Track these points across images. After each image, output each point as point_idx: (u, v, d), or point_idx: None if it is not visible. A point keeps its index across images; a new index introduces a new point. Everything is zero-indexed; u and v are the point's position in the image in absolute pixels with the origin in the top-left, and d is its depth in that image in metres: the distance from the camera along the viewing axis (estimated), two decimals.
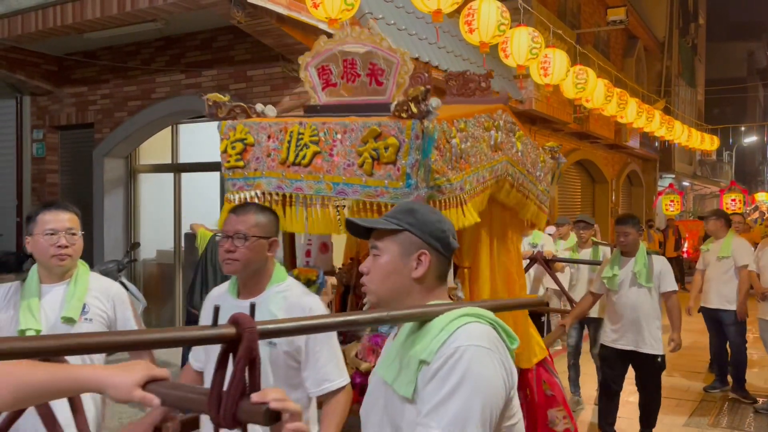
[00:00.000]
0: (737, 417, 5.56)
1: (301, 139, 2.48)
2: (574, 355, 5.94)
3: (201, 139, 8.42)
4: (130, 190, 8.65)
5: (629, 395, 5.24)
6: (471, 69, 9.03)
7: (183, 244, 8.24)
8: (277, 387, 1.46)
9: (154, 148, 8.58)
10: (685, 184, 25.15)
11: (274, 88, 7.09)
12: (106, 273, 7.30)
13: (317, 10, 5.24)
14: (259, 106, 2.77)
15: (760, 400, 5.93)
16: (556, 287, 6.07)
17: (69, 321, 2.39)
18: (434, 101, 2.25)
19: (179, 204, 8.49)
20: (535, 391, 3.09)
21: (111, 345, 1.31)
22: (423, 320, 1.46)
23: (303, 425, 1.18)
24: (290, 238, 3.09)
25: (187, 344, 1.63)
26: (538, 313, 6.52)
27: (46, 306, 2.40)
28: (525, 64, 7.02)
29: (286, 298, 2.17)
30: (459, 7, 5.46)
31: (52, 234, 2.39)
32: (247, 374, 1.19)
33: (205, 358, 2.31)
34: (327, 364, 2.14)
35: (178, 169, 8.47)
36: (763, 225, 9.28)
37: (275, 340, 2.06)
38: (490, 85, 3.13)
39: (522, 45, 6.83)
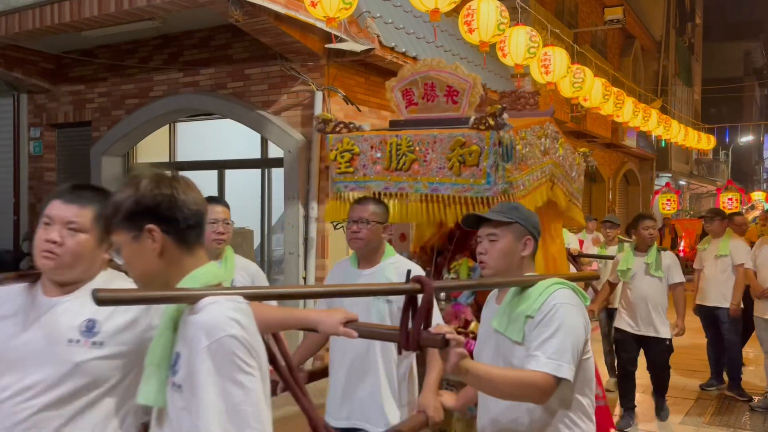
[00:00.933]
0: (733, 415, 5.59)
1: (400, 148, 3.19)
2: (609, 342, 6.36)
3: (199, 138, 8.42)
4: None
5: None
6: (469, 68, 9.05)
7: None
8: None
9: (152, 147, 8.57)
10: (682, 183, 25.20)
11: (271, 86, 7.09)
12: None
13: (315, 8, 5.24)
14: (356, 122, 3.51)
15: (756, 398, 5.95)
16: None
17: None
18: (506, 116, 2.93)
19: None
20: None
21: (320, 294, 2.41)
22: (525, 286, 2.12)
23: (463, 350, 1.79)
24: None
25: (385, 294, 2.60)
26: None
27: None
28: (523, 63, 7.04)
29: (396, 267, 2.81)
30: (457, 6, 5.47)
31: (213, 223, 3.03)
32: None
33: (325, 307, 2.75)
34: (434, 319, 2.76)
35: (176, 167, 8.45)
36: (758, 224, 9.26)
37: (392, 298, 2.72)
38: (537, 101, 3.81)
39: (520, 44, 6.84)
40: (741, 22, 40.83)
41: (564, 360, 1.94)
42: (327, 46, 6.57)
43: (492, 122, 2.93)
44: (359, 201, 2.91)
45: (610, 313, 6.21)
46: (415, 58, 7.59)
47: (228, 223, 3.15)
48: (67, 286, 1.74)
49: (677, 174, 23.51)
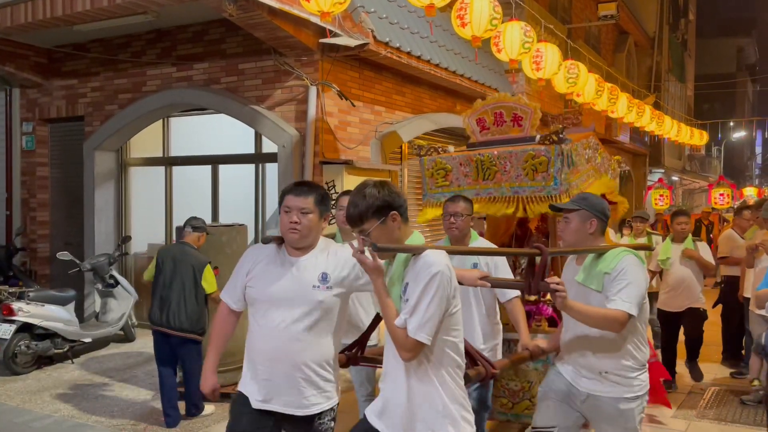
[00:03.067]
0: (724, 409, 5.63)
1: (484, 164, 4.28)
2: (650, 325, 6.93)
3: (192, 133, 8.39)
4: (121, 184, 8.61)
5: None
6: (463, 63, 9.05)
7: (174, 237, 8.22)
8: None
9: (145, 142, 8.54)
10: (675, 178, 25.28)
11: (265, 81, 7.08)
12: (96, 266, 7.29)
13: (309, 3, 5.22)
14: (442, 148, 4.66)
15: (754, 381, 5.98)
16: None
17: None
18: (565, 133, 4.06)
19: (170, 197, 8.47)
20: None
21: (468, 252, 3.72)
22: (599, 253, 2.96)
23: (564, 293, 2.62)
24: None
25: (511, 255, 4.14)
26: None
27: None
28: (517, 59, 7.03)
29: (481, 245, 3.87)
30: (451, 1, 5.46)
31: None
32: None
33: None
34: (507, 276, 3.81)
35: (169, 162, 8.44)
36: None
37: (479, 261, 3.70)
38: (580, 121, 5.19)
39: (514, 39, 6.83)
40: (734, 19, 40.95)
41: (634, 303, 2.79)
42: (321, 41, 6.56)
43: (556, 138, 4.00)
44: (452, 199, 3.82)
45: (649, 297, 6.52)
46: (409, 53, 7.58)
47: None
48: (303, 249, 2.68)
49: (670, 170, 23.59)
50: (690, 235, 6.09)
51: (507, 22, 6.78)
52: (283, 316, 2.62)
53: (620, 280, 2.82)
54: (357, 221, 2.36)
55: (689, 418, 5.36)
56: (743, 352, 7.09)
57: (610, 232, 8.01)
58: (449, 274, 2.30)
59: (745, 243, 6.54)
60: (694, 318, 6.11)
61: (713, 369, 6.85)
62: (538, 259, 2.75)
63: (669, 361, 6.21)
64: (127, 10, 6.36)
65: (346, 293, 2.71)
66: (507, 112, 4.37)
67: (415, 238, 2.45)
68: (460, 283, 2.60)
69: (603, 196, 4.45)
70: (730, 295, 6.89)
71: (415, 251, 2.35)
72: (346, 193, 3.80)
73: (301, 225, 2.62)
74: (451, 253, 2.56)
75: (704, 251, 6.10)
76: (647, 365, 2.99)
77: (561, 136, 3.97)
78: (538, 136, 4.04)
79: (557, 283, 2.60)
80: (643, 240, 7.46)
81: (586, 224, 2.98)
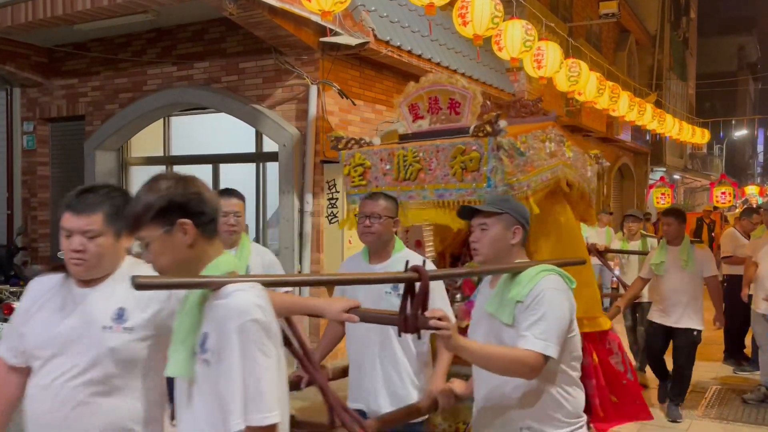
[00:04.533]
0: (726, 408, 5.62)
1: (406, 159, 3.42)
2: (633, 335, 6.48)
3: (193, 132, 8.39)
4: (122, 183, 8.60)
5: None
6: (464, 62, 9.03)
7: None
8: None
9: (146, 141, 8.53)
10: (676, 177, 25.25)
11: (266, 80, 7.06)
12: None
13: (309, 2, 5.22)
14: (366, 138, 3.71)
15: (760, 378, 5.96)
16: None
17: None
18: (502, 122, 3.08)
19: None
20: (599, 350, 3.50)
21: (322, 282, 3.10)
22: (515, 272, 2.30)
23: (448, 331, 2.00)
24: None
25: (388, 282, 2.63)
26: None
27: None
28: (518, 57, 7.03)
29: (407, 261, 2.72)
30: (452, 0, 5.45)
31: (225, 215, 3.19)
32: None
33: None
34: (442, 307, 2.76)
35: (170, 161, 8.43)
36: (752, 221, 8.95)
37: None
38: (540, 108, 3.96)
39: (515, 38, 6.83)
40: (735, 17, 40.89)
41: (550, 340, 2.14)
42: (322, 39, 6.55)
43: (489, 129, 3.11)
44: (370, 196, 3.02)
45: (635, 307, 6.29)
46: (410, 52, 7.57)
47: (239, 216, 3.42)
48: (94, 280, 1.99)
49: (671, 168, 23.56)
50: (687, 237, 5.31)
51: (508, 21, 6.77)
52: (62, 368, 1.92)
53: (533, 310, 2.17)
54: (134, 226, 1.71)
55: (691, 417, 5.36)
56: (746, 350, 7.08)
57: (588, 231, 7.53)
58: (266, 321, 1.62)
59: (752, 242, 6.53)
60: (685, 341, 5.21)
61: (715, 368, 6.85)
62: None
63: (659, 374, 5.59)
64: (128, 9, 6.35)
65: (160, 337, 1.93)
66: (443, 97, 3.48)
67: (224, 262, 1.75)
68: (320, 316, 2.19)
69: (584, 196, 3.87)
70: (732, 294, 6.88)
71: (211, 286, 1.65)
72: (226, 191, 3.59)
73: (88, 254, 1.93)
74: (271, 285, 1.86)
75: (705, 257, 5.27)
76: (583, 417, 2.36)
77: (496, 125, 3.08)
78: (472, 127, 3.21)
79: (439, 318, 2.00)
80: (637, 243, 6.70)
81: (508, 233, 2.34)
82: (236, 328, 1.58)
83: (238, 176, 7.89)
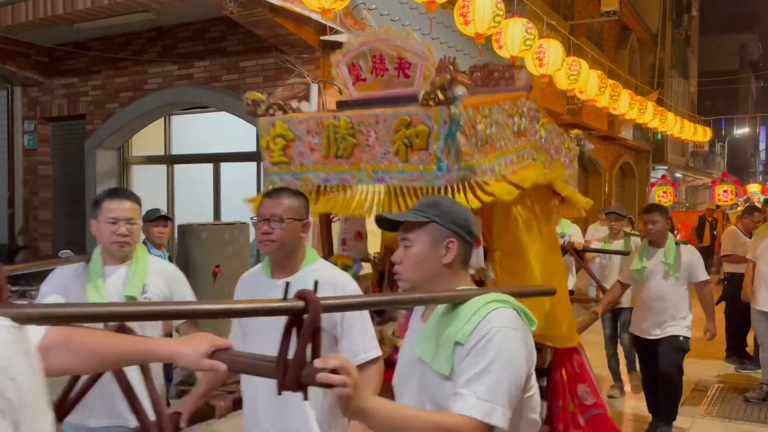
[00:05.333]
0: (728, 406, 5.61)
1: (338, 131, 2.65)
2: (612, 345, 5.95)
3: (194, 131, 8.39)
4: (123, 182, 8.60)
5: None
6: (465, 60, 9.02)
7: (176, 236, 8.22)
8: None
9: (147, 140, 8.53)
10: (678, 175, 25.23)
11: (267, 79, 7.06)
12: None
13: (310, 0, 5.21)
14: (294, 103, 2.93)
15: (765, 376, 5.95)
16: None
17: (131, 299, 2.57)
18: (459, 89, 2.37)
19: (172, 196, 8.46)
20: (568, 369, 3.14)
21: (187, 313, 1.73)
22: (455, 303, 1.66)
23: (347, 390, 1.34)
24: (327, 227, 3.21)
25: (260, 315, 1.73)
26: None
27: (110, 285, 2.59)
28: (519, 56, 7.02)
29: (319, 276, 2.00)
30: None
31: (113, 223, 2.56)
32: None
33: (241, 333, 2.40)
34: (361, 337, 2.29)
35: (170, 160, 8.43)
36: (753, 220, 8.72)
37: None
38: (513, 74, 3.25)
39: (516, 36, 6.82)
40: (737, 15, 40.84)
41: (498, 402, 1.52)
42: (322, 38, 6.54)
43: (441, 96, 2.37)
44: (269, 194, 2.38)
45: (615, 314, 5.84)
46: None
47: (134, 223, 2.61)
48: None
49: (673, 166, 23.54)
50: (672, 237, 4.64)
51: (509, 19, 6.76)
52: None
53: (478, 356, 1.56)
54: None
55: (693, 416, 5.34)
56: (747, 349, 7.08)
57: (572, 227, 6.87)
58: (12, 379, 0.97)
59: (754, 241, 6.50)
60: (669, 347, 4.54)
61: (717, 366, 6.83)
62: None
63: (651, 397, 4.86)
64: (128, 8, 6.35)
65: None
66: (389, 58, 2.73)
67: None
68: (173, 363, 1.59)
69: (552, 189, 3.27)
70: (733, 292, 6.87)
71: None
72: (115, 192, 2.71)
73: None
74: (50, 320, 1.29)
75: (693, 259, 4.60)
76: None
77: (449, 92, 2.37)
78: (421, 93, 2.49)
79: (334, 370, 1.34)
80: (620, 243, 6.08)
81: (439, 248, 1.71)
82: None
83: (238, 175, 7.89)
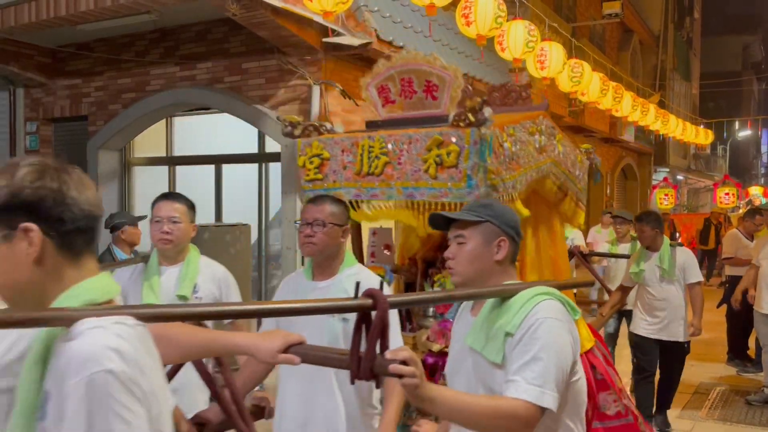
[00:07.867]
0: (730, 409, 5.60)
1: (372, 151, 2.84)
2: (611, 344, 6.08)
3: (196, 132, 8.40)
4: (125, 183, 8.62)
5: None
6: (466, 62, 9.03)
7: None
8: None
9: (149, 141, 8.54)
10: (680, 177, 25.20)
11: (269, 80, 7.06)
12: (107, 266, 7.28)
13: (312, 2, 5.22)
14: (328, 124, 3.13)
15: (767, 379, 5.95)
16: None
17: (183, 298, 2.72)
18: (487, 110, 2.55)
19: None
20: (588, 379, 3.10)
21: (260, 312, 1.89)
22: (504, 297, 1.81)
23: (415, 379, 1.50)
24: (358, 238, 3.31)
25: (331, 312, 2.01)
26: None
27: (164, 285, 2.75)
28: (521, 58, 7.02)
29: (357, 279, 2.13)
30: (454, 0, 5.45)
31: (158, 221, 2.76)
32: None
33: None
34: (392, 341, 2.34)
35: (172, 162, 8.44)
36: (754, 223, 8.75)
37: (347, 316, 2.27)
38: (530, 94, 3.49)
39: (518, 38, 6.82)
40: (739, 16, 40.77)
41: (547, 386, 1.65)
42: (324, 40, 6.55)
43: (472, 118, 2.56)
44: (314, 200, 2.55)
45: (620, 315, 5.97)
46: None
47: (177, 222, 2.76)
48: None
49: (675, 169, 23.52)
50: (666, 241, 4.91)
51: (511, 21, 6.77)
52: None
53: (527, 345, 1.70)
54: None
55: (695, 419, 5.34)
56: (749, 352, 7.07)
57: (574, 231, 6.75)
58: (126, 372, 1.07)
59: (756, 244, 6.51)
60: (675, 355, 5.04)
61: (719, 369, 6.83)
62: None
63: (644, 398, 5.03)
64: (131, 9, 6.36)
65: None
66: (418, 79, 2.91)
67: (89, 288, 1.19)
68: (248, 355, 1.77)
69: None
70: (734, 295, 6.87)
71: (53, 322, 1.12)
72: (166, 195, 2.93)
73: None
74: (154, 319, 1.29)
75: (687, 261, 4.90)
76: None
77: (480, 114, 2.55)
78: (452, 115, 2.67)
79: (404, 361, 1.50)
80: (626, 246, 6.27)
81: (491, 247, 1.86)
82: (80, 384, 1.04)
83: (240, 177, 7.90)
